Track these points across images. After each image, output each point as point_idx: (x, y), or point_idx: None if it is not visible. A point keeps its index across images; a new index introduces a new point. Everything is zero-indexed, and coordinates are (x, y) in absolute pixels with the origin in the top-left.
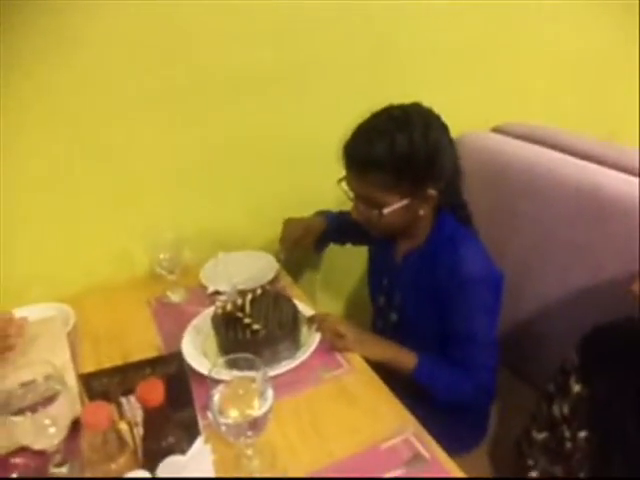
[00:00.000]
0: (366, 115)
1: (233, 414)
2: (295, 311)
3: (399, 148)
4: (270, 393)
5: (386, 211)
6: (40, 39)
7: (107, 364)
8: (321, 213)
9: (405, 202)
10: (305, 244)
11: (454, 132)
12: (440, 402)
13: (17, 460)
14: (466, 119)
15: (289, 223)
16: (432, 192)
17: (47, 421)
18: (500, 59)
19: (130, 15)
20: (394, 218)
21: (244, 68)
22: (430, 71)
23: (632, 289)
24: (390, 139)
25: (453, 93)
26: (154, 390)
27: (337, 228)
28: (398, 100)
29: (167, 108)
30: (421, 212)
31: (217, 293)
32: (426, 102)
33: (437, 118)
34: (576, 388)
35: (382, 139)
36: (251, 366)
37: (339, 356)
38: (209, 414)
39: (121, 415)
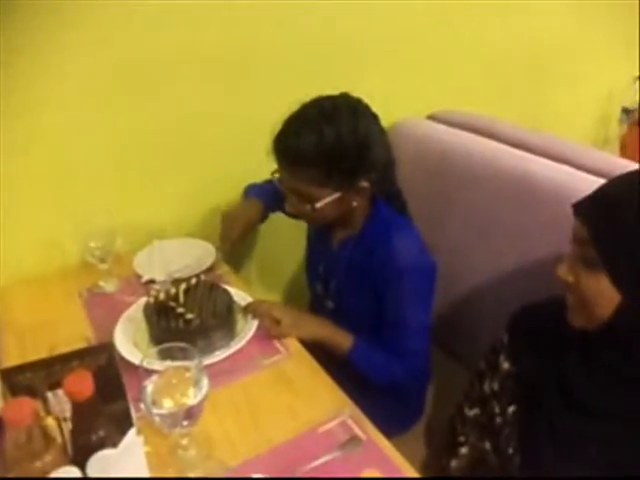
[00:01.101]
0: (299, 103)
1: (167, 404)
2: (230, 301)
3: (327, 142)
4: (205, 382)
5: (318, 205)
6: None
7: (33, 359)
8: (251, 189)
9: (337, 195)
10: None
11: (390, 119)
12: (373, 384)
13: None
14: (402, 106)
15: (227, 220)
16: (364, 184)
17: None
18: (435, 48)
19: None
20: (327, 211)
21: (183, 52)
22: (366, 58)
23: (556, 271)
24: (318, 133)
25: (389, 80)
26: (82, 383)
27: (273, 202)
28: (335, 86)
29: (98, 92)
30: (354, 204)
31: (152, 282)
32: (362, 89)
33: (366, 108)
34: (505, 365)
35: (310, 133)
36: (185, 355)
37: (277, 343)
38: (142, 404)
39: (48, 410)
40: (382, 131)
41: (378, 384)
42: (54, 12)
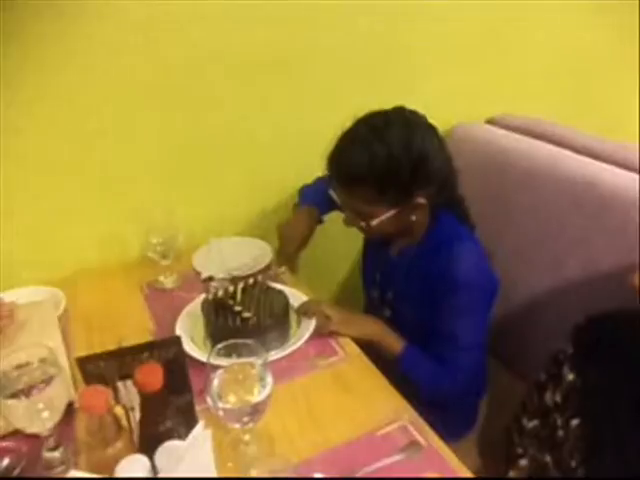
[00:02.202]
0: (355, 108)
1: (231, 399)
2: (286, 302)
3: (379, 160)
4: (269, 379)
5: (374, 223)
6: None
7: (100, 349)
8: (305, 192)
9: (392, 212)
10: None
11: (448, 123)
12: (418, 394)
13: (9, 444)
14: (460, 110)
15: (284, 236)
16: (421, 200)
17: (41, 405)
18: (495, 51)
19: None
20: (384, 227)
21: (241, 53)
22: (424, 62)
23: (632, 281)
24: (369, 152)
25: (448, 84)
26: (153, 374)
27: (327, 203)
28: (392, 91)
29: (161, 91)
30: (413, 218)
31: (210, 279)
32: (420, 93)
33: (421, 122)
34: (569, 377)
35: (361, 152)
36: (250, 352)
37: (334, 343)
38: (208, 399)
39: (117, 400)
40: (441, 143)
41: (422, 394)
42: (119, 13)
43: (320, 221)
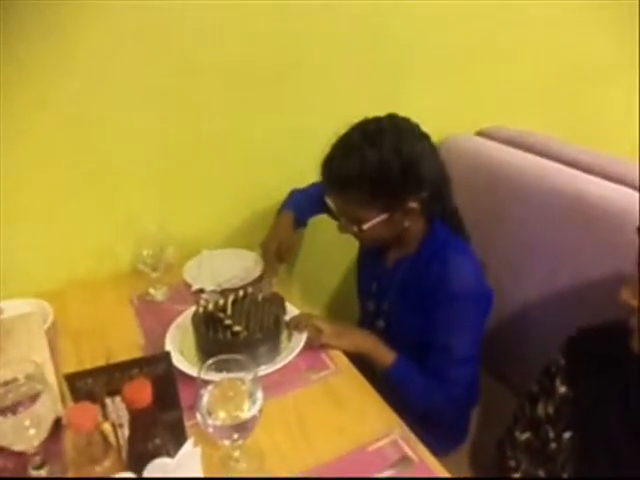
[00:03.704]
0: (347, 117)
1: (221, 415)
2: (277, 315)
3: (370, 165)
4: (260, 395)
5: (365, 227)
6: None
7: (88, 363)
8: (289, 197)
9: (384, 217)
10: (289, 255)
11: (438, 135)
12: (410, 407)
13: None
14: (451, 122)
15: (266, 252)
16: (413, 205)
17: (27, 422)
18: (486, 63)
19: (123, 9)
20: (377, 232)
21: (234, 62)
22: (415, 74)
23: (620, 294)
24: (361, 156)
25: (438, 96)
26: (142, 391)
27: (308, 210)
28: (382, 101)
29: (153, 101)
30: (406, 224)
31: (201, 291)
32: (410, 104)
33: (413, 129)
34: (562, 389)
35: (353, 157)
36: (240, 368)
37: (325, 357)
38: (197, 415)
39: (105, 416)
40: (432, 150)
41: (414, 407)
42: (116, 19)
43: (303, 224)
